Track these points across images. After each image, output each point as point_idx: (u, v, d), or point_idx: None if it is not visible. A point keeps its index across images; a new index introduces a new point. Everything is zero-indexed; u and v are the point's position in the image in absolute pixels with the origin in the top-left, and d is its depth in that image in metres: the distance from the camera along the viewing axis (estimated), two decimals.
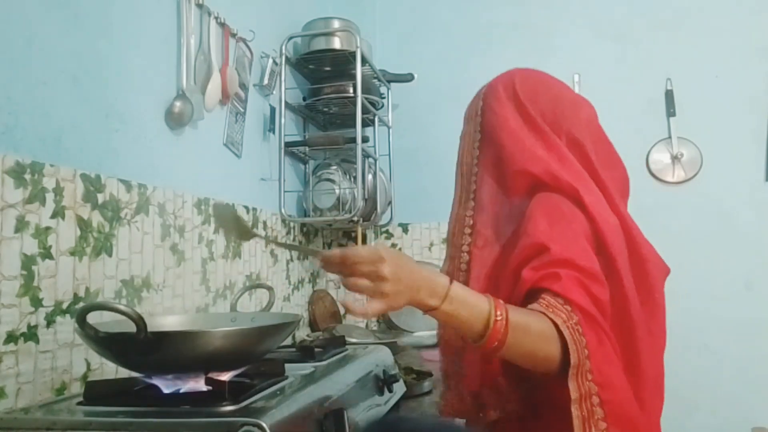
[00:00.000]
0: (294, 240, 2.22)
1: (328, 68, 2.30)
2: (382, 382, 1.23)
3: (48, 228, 1.09)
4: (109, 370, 1.21)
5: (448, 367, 1.12)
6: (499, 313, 0.88)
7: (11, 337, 1.01)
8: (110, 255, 1.25)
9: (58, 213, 1.12)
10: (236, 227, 1.12)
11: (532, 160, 1.09)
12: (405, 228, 2.71)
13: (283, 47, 2.13)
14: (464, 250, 1.12)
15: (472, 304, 0.89)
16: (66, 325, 1.12)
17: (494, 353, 0.91)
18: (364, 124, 2.23)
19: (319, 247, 2.50)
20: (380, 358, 1.34)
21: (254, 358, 1.00)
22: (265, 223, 1.98)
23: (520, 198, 1.09)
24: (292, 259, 2.19)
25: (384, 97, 2.53)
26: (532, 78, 1.19)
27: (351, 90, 2.19)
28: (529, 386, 1.02)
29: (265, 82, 1.99)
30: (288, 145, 2.15)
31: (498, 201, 1.13)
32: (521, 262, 0.99)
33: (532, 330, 0.90)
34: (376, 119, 2.44)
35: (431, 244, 2.69)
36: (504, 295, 0.96)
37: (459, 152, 1.24)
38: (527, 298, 0.95)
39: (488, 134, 1.18)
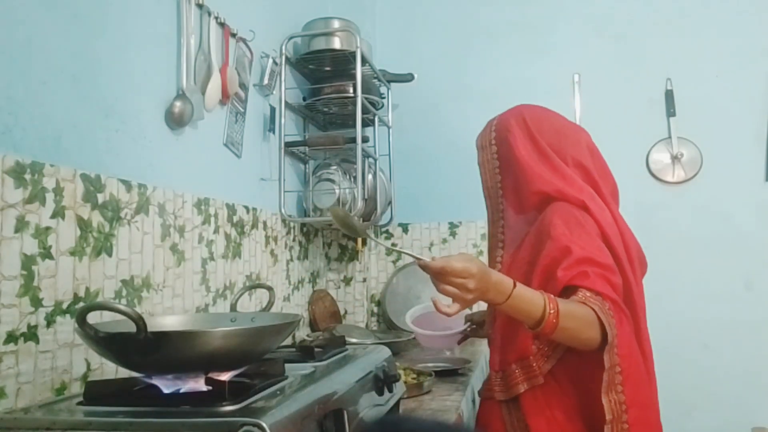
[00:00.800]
0: (294, 240, 2.22)
1: (328, 68, 2.30)
2: (382, 382, 1.23)
3: (48, 228, 1.09)
4: (109, 370, 1.21)
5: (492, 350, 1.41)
6: (552, 306, 1.14)
7: (11, 337, 1.01)
8: (110, 255, 1.25)
9: (58, 213, 1.12)
10: (351, 227, 1.27)
11: (543, 181, 1.35)
12: (405, 228, 2.72)
13: (283, 47, 2.13)
14: (498, 261, 1.43)
15: (531, 299, 1.15)
16: (66, 325, 1.12)
17: (548, 336, 1.16)
18: (364, 124, 2.23)
19: (319, 247, 2.50)
20: (380, 358, 1.34)
21: (254, 358, 1.00)
22: (265, 223, 1.98)
23: (534, 211, 1.37)
24: (292, 259, 2.19)
25: (384, 97, 2.53)
26: (538, 113, 1.44)
27: (351, 90, 2.19)
28: (550, 363, 1.28)
29: (265, 82, 1.99)
30: (288, 145, 2.15)
31: (520, 216, 1.41)
32: (551, 262, 1.24)
33: (577, 317, 1.16)
34: (376, 119, 2.44)
35: (431, 244, 2.69)
36: (536, 288, 1.20)
37: (482, 178, 1.48)
38: (563, 293, 1.20)
39: (506, 162, 1.43)
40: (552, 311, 1.14)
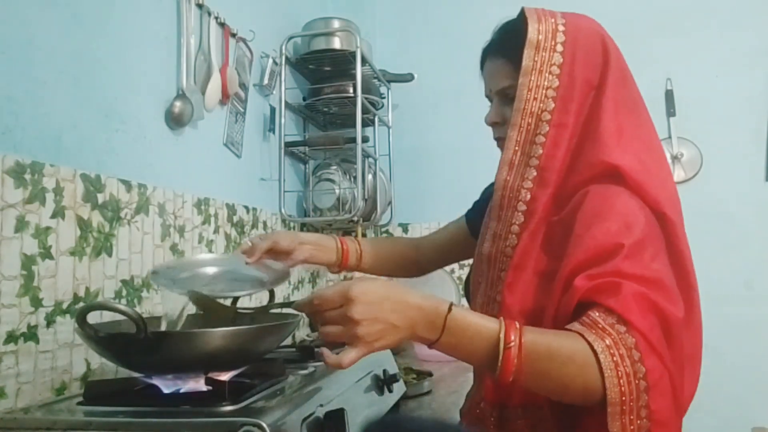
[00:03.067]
0: None
1: (328, 68, 2.30)
2: (382, 382, 1.23)
3: (48, 228, 1.09)
4: (109, 370, 1.21)
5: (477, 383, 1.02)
6: (512, 338, 0.74)
7: (11, 337, 1.01)
8: (110, 255, 1.25)
9: (58, 213, 1.12)
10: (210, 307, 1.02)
11: (625, 148, 0.88)
12: (405, 228, 2.71)
13: (283, 47, 2.13)
14: (513, 231, 0.93)
15: (476, 330, 0.76)
16: (66, 325, 1.12)
17: (515, 385, 0.77)
18: (364, 124, 2.23)
19: None
20: (380, 358, 1.34)
21: (254, 358, 1.00)
22: (265, 223, 1.98)
23: (585, 185, 0.88)
24: None
25: (384, 97, 2.53)
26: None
27: (351, 90, 2.19)
28: (569, 420, 0.86)
29: (265, 82, 1.99)
30: (288, 145, 2.15)
31: (565, 178, 0.91)
32: (579, 264, 0.80)
33: (560, 356, 0.75)
34: (376, 119, 2.44)
35: None
36: (554, 303, 0.83)
37: (520, 93, 0.92)
38: (576, 313, 0.79)
39: (571, 87, 0.91)
40: (512, 345, 0.73)
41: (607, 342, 0.74)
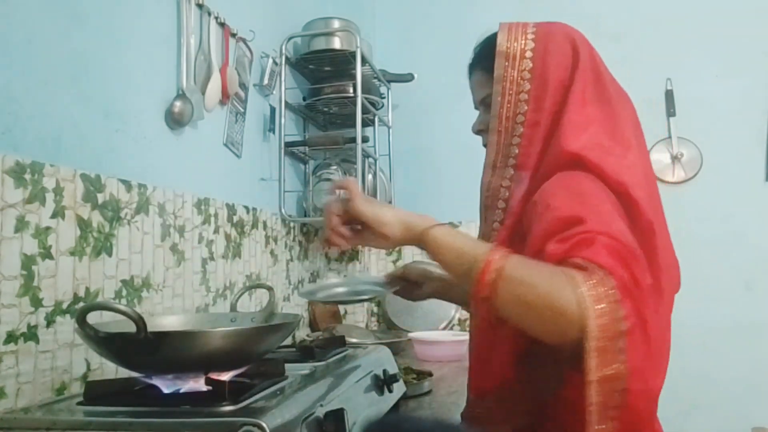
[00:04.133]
0: (294, 240, 2.22)
1: (328, 68, 2.30)
2: (382, 382, 1.23)
3: (48, 228, 1.09)
4: (109, 370, 1.21)
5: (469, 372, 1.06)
6: (495, 255, 0.78)
7: (11, 337, 1.01)
8: (110, 255, 1.25)
9: (58, 213, 1.12)
10: None
11: (589, 139, 0.92)
12: None
13: (283, 47, 2.13)
14: (495, 228, 0.99)
15: (465, 240, 0.85)
16: (66, 325, 1.12)
17: (486, 302, 0.78)
18: (364, 124, 2.23)
19: (318, 247, 2.49)
20: (380, 358, 1.34)
21: (254, 358, 1.00)
22: (265, 223, 1.98)
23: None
24: (292, 259, 2.19)
25: (384, 97, 2.53)
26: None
27: (351, 90, 2.19)
28: (542, 395, 0.91)
29: (265, 82, 1.99)
30: (288, 145, 2.15)
31: (537, 175, 0.95)
32: (546, 234, 0.82)
33: (539, 280, 0.75)
34: (376, 119, 2.44)
35: None
36: None
37: (495, 100, 0.99)
38: None
39: (543, 88, 0.97)
40: (492, 259, 0.77)
41: (594, 280, 0.73)
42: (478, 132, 1.09)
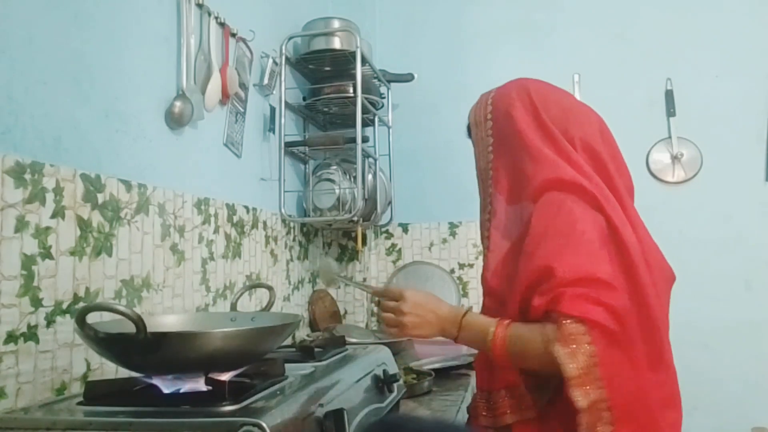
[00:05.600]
0: (294, 240, 2.22)
1: (328, 68, 2.30)
2: (382, 382, 1.23)
3: (48, 228, 1.09)
4: (109, 370, 1.21)
5: (477, 378, 1.26)
6: (499, 330, 1.07)
7: (11, 337, 1.01)
8: (110, 255, 1.25)
9: (58, 213, 1.12)
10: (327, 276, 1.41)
11: (543, 165, 1.14)
12: (405, 228, 2.71)
13: (283, 47, 2.13)
14: (485, 254, 1.25)
15: (480, 328, 1.10)
16: (66, 325, 1.12)
17: (503, 360, 1.08)
18: (364, 124, 2.23)
19: (319, 247, 2.50)
20: (380, 358, 1.34)
21: (254, 358, 1.00)
22: (265, 223, 1.98)
23: (529, 202, 1.15)
24: (292, 259, 2.19)
25: (384, 97, 2.53)
26: (544, 88, 1.26)
27: (351, 90, 2.19)
28: (545, 394, 1.10)
29: (265, 82, 1.99)
30: (288, 145, 2.15)
31: (511, 207, 1.20)
32: (529, 286, 1.06)
33: (531, 339, 1.03)
34: (376, 119, 2.44)
35: (431, 244, 2.69)
36: (511, 311, 1.10)
37: (475, 158, 1.31)
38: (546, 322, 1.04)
39: (501, 140, 1.24)
40: (500, 336, 1.07)
41: (562, 337, 0.98)
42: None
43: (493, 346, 1.07)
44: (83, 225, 1.18)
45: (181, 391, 0.91)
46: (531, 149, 1.17)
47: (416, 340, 2.06)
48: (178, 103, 1.48)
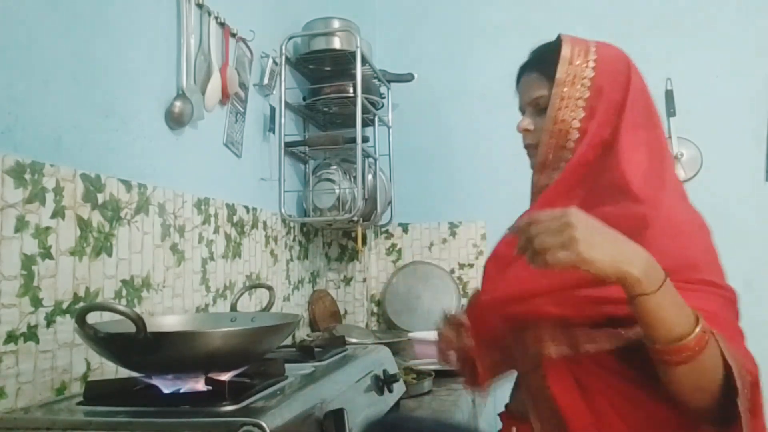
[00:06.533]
0: (294, 240, 2.22)
1: (328, 68, 2.30)
2: (382, 382, 1.23)
3: (48, 228, 1.09)
4: (109, 370, 1.21)
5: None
6: (707, 325, 0.78)
7: (11, 337, 1.01)
8: (110, 255, 1.25)
9: (58, 213, 1.12)
10: None
11: (647, 168, 0.96)
12: (405, 228, 2.71)
13: (283, 47, 2.13)
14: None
15: (683, 304, 0.78)
16: (66, 325, 1.12)
17: (678, 364, 0.78)
18: (364, 124, 2.23)
19: (319, 247, 2.50)
20: (380, 358, 1.34)
21: (254, 358, 1.00)
22: (265, 223, 1.98)
23: (612, 203, 0.93)
24: (292, 259, 2.19)
25: (384, 97, 2.53)
26: None
27: (351, 90, 2.19)
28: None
29: (265, 82, 1.99)
30: (288, 145, 2.15)
31: (590, 185, 0.98)
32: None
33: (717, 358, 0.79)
34: (376, 119, 2.44)
35: (431, 244, 2.69)
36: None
37: (553, 102, 1.02)
38: None
39: (603, 101, 0.99)
40: (707, 331, 0.78)
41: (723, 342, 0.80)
42: (524, 131, 1.07)
43: (698, 339, 0.77)
44: (83, 225, 1.18)
45: (181, 391, 0.91)
46: (664, 138, 1.00)
47: (416, 341, 2.05)
48: (178, 103, 1.48)
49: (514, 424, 1.04)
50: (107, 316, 1.04)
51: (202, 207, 1.60)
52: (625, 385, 0.90)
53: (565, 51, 1.02)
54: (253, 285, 1.81)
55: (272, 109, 2.08)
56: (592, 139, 0.99)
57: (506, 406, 1.13)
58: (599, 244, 0.75)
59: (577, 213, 0.77)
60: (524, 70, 1.10)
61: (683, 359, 0.77)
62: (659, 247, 0.82)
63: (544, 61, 1.05)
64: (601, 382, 0.91)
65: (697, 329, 0.77)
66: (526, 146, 1.08)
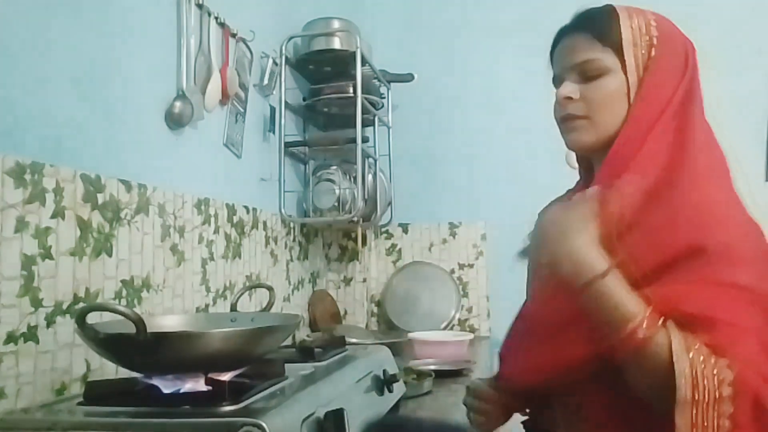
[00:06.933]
0: (294, 240, 2.22)
1: (328, 68, 2.30)
2: (382, 382, 1.23)
3: (48, 228, 1.09)
4: (109, 370, 1.21)
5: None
6: (650, 317, 0.74)
7: (11, 338, 1.01)
8: (110, 255, 1.25)
9: (58, 213, 1.12)
10: None
11: (705, 172, 0.91)
12: (405, 228, 2.71)
13: (283, 47, 2.13)
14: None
15: (626, 297, 0.76)
16: (66, 326, 1.12)
17: (621, 360, 0.76)
18: (364, 125, 2.23)
19: (319, 247, 2.50)
20: (380, 358, 1.34)
21: (254, 359, 1.00)
22: (265, 223, 1.98)
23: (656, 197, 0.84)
24: (292, 260, 2.19)
25: (384, 97, 2.53)
26: None
27: (351, 90, 2.19)
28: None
29: (265, 82, 1.99)
30: (288, 145, 2.15)
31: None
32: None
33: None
34: (376, 119, 2.44)
35: (431, 245, 2.69)
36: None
37: (629, 60, 0.92)
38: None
39: (646, 90, 0.92)
40: (646, 332, 0.74)
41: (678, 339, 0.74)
42: (567, 99, 0.94)
43: (628, 337, 0.74)
44: (83, 225, 1.18)
45: (181, 391, 0.91)
46: (694, 140, 0.95)
47: (416, 341, 2.05)
48: (178, 104, 1.48)
49: None
50: (107, 316, 1.04)
51: (202, 207, 1.60)
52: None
53: (623, 16, 0.94)
54: (253, 285, 1.80)
55: (272, 110, 2.08)
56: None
57: (524, 423, 1.04)
58: (545, 245, 0.80)
59: (548, 213, 0.80)
60: (568, 31, 0.99)
61: (625, 353, 0.75)
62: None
63: (594, 21, 0.95)
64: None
65: (630, 326, 0.74)
66: (565, 117, 0.95)
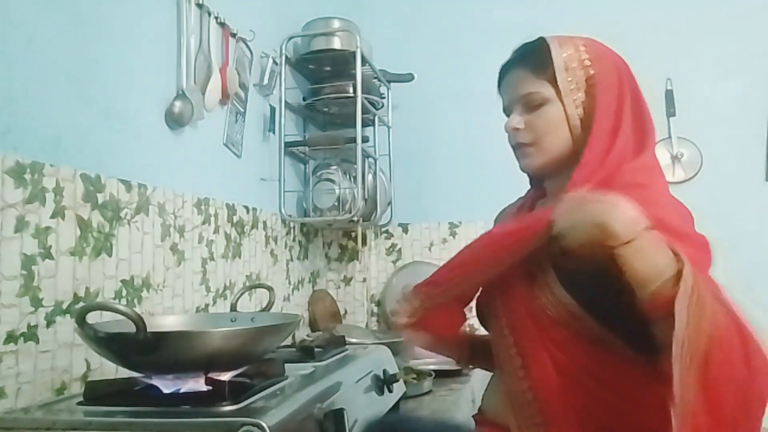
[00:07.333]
0: (294, 240, 2.22)
1: (328, 68, 2.30)
2: (382, 382, 1.23)
3: (48, 228, 1.09)
4: (109, 370, 1.21)
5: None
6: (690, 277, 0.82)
7: (11, 337, 1.01)
8: (110, 255, 1.25)
9: (58, 213, 1.12)
10: None
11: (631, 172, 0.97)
12: (405, 228, 2.71)
13: (283, 47, 2.13)
14: None
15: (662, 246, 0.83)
16: (66, 325, 1.12)
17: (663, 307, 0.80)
18: (364, 124, 2.23)
19: (319, 247, 2.49)
20: (380, 358, 1.34)
21: (254, 358, 1.00)
22: (265, 223, 1.98)
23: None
24: (292, 259, 2.19)
25: (384, 97, 2.53)
26: None
27: (351, 90, 2.19)
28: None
29: (265, 82, 1.99)
30: (288, 145, 2.15)
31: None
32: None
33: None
34: (376, 119, 2.44)
35: (431, 244, 2.69)
36: None
37: (563, 86, 1.00)
38: None
39: (593, 114, 0.99)
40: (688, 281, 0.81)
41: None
42: (514, 130, 1.04)
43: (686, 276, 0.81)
44: (83, 225, 1.18)
45: (181, 391, 0.91)
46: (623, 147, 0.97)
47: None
48: (178, 103, 1.48)
49: (489, 428, 1.00)
50: (107, 316, 1.04)
51: (202, 207, 1.60)
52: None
53: (553, 45, 1.01)
54: (253, 285, 1.80)
55: (272, 109, 2.08)
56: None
57: (479, 409, 1.07)
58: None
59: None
60: (510, 67, 1.09)
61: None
62: None
63: (531, 55, 1.04)
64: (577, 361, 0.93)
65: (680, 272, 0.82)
66: (516, 146, 1.05)
